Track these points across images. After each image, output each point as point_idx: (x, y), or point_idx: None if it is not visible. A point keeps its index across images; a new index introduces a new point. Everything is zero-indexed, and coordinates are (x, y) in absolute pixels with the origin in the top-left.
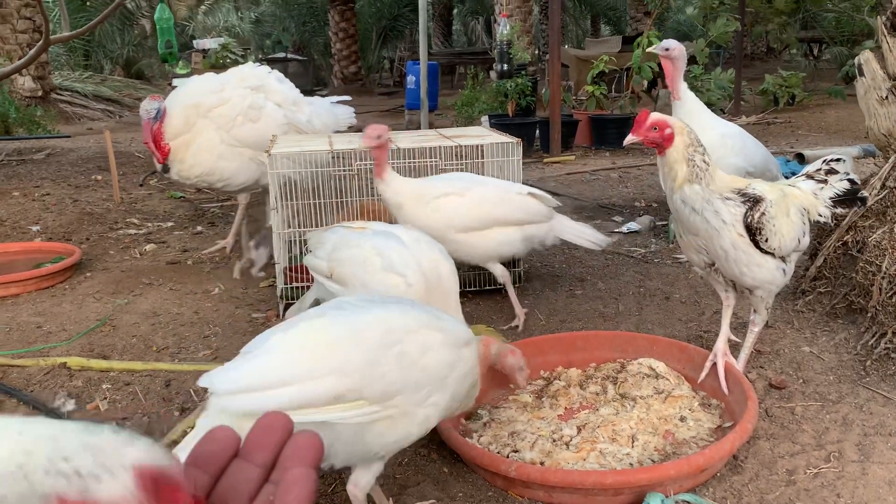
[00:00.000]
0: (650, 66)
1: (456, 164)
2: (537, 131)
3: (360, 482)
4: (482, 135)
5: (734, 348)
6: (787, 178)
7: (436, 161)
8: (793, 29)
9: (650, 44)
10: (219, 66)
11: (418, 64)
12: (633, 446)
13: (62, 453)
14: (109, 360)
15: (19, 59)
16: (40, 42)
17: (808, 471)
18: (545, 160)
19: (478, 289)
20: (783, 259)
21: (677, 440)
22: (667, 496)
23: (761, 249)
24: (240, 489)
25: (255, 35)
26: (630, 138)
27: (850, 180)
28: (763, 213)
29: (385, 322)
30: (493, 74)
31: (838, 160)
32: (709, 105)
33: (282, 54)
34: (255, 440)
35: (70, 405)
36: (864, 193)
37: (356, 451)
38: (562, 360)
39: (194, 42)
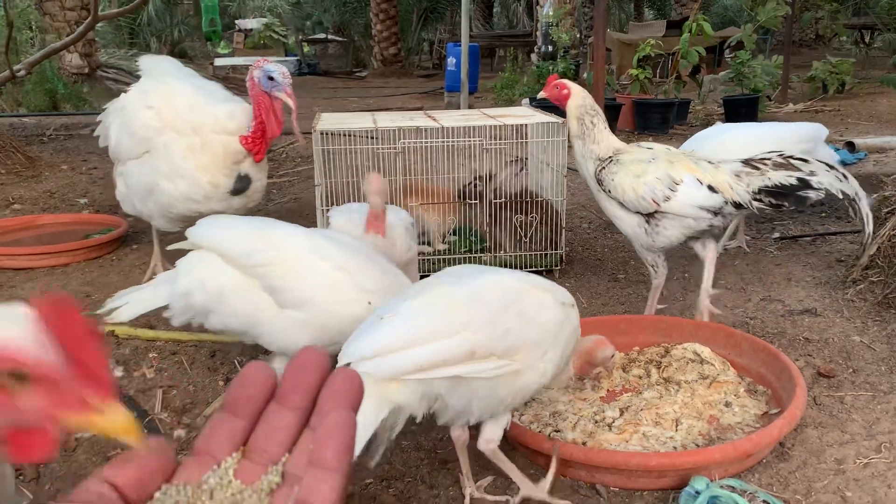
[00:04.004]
0: (697, 51)
1: (499, 144)
2: None
3: (494, 437)
4: (527, 115)
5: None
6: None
7: (480, 140)
8: (844, 16)
9: (699, 28)
10: (261, 46)
11: (459, 46)
12: (676, 430)
13: None
14: (156, 330)
15: (67, 35)
16: (89, 18)
17: (858, 460)
18: None
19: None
20: (647, 220)
21: (722, 425)
22: (711, 480)
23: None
24: (277, 436)
25: (296, 16)
26: (541, 94)
27: (800, 178)
28: (603, 169)
29: (501, 283)
30: (533, 57)
31: (805, 160)
32: (755, 91)
33: (322, 35)
34: (289, 382)
35: (118, 373)
36: (809, 195)
37: (490, 405)
38: None
39: (236, 22)
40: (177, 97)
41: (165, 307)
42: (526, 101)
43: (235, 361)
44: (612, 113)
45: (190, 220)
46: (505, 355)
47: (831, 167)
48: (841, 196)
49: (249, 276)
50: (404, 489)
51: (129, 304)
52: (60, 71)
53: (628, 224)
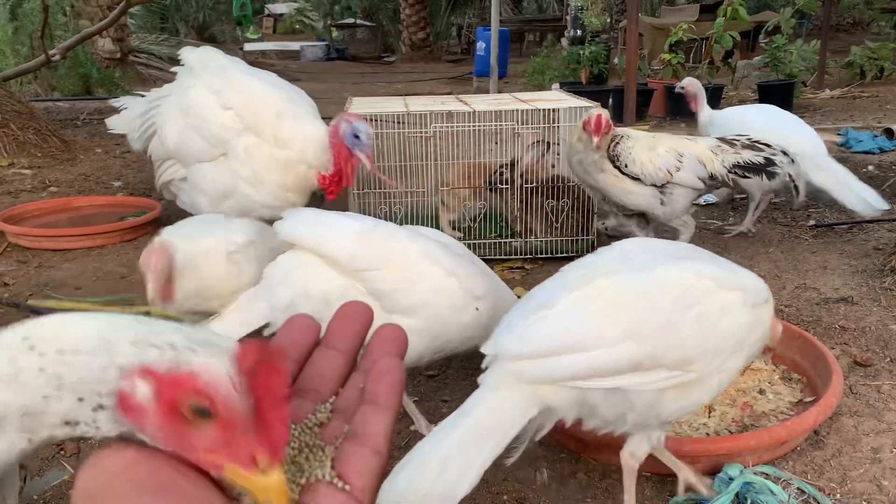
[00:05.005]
0: (731, 36)
1: (530, 129)
2: (610, 100)
3: (639, 452)
4: (559, 99)
5: None
6: (873, 153)
7: (512, 125)
8: (882, 0)
9: (735, 12)
10: (291, 31)
11: (488, 30)
12: (709, 416)
13: (153, 329)
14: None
15: (100, 20)
16: (122, 3)
17: (895, 450)
18: (618, 128)
19: (549, 255)
20: (660, 190)
21: (755, 413)
22: (745, 467)
23: (631, 177)
24: (327, 374)
25: (324, 1)
26: (596, 140)
27: (766, 158)
28: (618, 143)
29: (681, 282)
30: (564, 42)
31: (767, 144)
32: (791, 77)
33: (350, 20)
34: (337, 328)
35: None
36: (777, 170)
37: (646, 419)
38: None
39: (267, 6)
40: (258, 96)
41: (266, 325)
42: (556, 86)
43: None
44: (643, 98)
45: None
46: (676, 367)
47: (785, 153)
48: (789, 178)
49: (354, 279)
50: None
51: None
52: (93, 55)
53: (643, 197)
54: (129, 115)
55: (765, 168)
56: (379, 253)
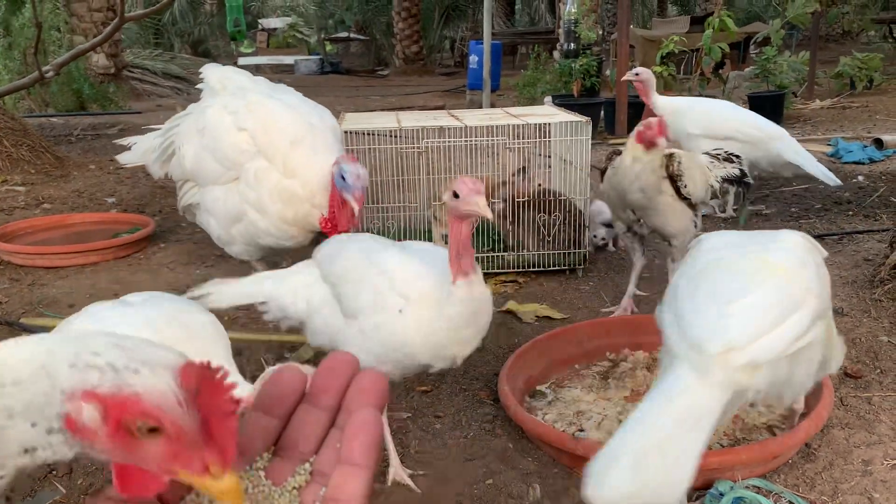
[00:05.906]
0: (720, 48)
1: (521, 144)
2: (602, 112)
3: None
4: (550, 113)
5: None
6: (863, 164)
7: (503, 140)
8: (872, 10)
9: (722, 24)
10: (285, 45)
11: (481, 43)
12: None
13: (92, 349)
14: None
15: (94, 36)
16: (115, 20)
17: (886, 462)
18: (610, 141)
19: (541, 269)
20: (695, 209)
21: (747, 425)
22: (735, 482)
23: (682, 198)
24: (308, 433)
25: (319, 14)
26: (662, 141)
27: (741, 170)
28: (680, 163)
29: (795, 240)
30: (556, 54)
31: (738, 157)
32: (781, 88)
33: (344, 34)
34: (320, 383)
35: None
36: (749, 181)
37: (811, 375)
38: (629, 342)
39: (260, 21)
40: (275, 119)
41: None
42: (548, 98)
43: (262, 360)
44: (634, 110)
45: (271, 251)
46: (823, 315)
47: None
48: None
49: (328, 284)
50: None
51: (226, 293)
52: (87, 71)
53: (686, 218)
54: (141, 147)
55: (742, 179)
56: (338, 257)
